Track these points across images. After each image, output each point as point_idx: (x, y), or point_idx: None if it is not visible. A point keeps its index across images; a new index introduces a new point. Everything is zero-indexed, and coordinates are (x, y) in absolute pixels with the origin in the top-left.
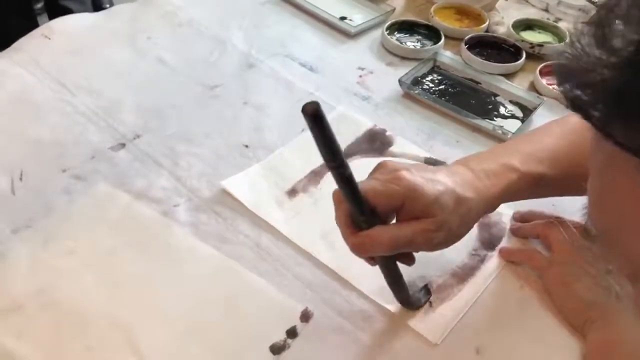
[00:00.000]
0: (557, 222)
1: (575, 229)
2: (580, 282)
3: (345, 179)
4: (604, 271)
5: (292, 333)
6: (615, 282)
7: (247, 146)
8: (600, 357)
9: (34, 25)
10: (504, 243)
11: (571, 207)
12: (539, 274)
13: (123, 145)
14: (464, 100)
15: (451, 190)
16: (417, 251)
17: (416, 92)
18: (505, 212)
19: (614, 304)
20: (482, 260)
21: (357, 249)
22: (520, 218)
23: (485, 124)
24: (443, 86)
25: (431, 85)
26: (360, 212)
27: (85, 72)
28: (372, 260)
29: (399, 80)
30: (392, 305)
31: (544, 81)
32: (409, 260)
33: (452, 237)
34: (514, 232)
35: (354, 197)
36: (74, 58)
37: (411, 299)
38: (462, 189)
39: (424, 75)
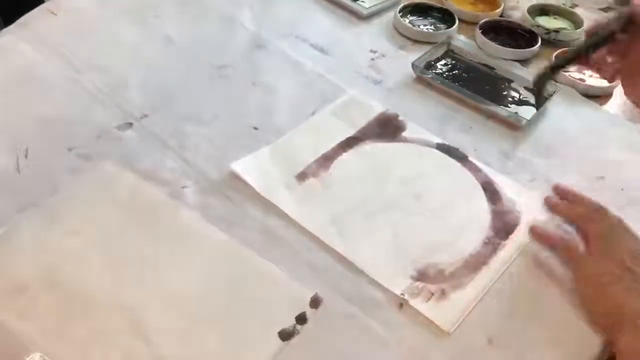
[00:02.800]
0: (601, 213)
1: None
2: (618, 284)
3: None
4: None
5: (301, 319)
6: None
7: (256, 128)
8: None
9: (39, 1)
10: (517, 232)
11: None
12: (570, 266)
13: (130, 124)
14: (478, 86)
15: None
16: None
17: (429, 76)
18: (519, 200)
19: None
20: (495, 249)
21: None
22: (561, 193)
23: (499, 110)
24: (457, 71)
25: (444, 69)
26: None
27: (91, 49)
28: None
29: (412, 64)
30: (403, 291)
31: None
32: None
33: None
34: (551, 206)
35: None
36: (80, 35)
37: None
38: None
39: (437, 60)
